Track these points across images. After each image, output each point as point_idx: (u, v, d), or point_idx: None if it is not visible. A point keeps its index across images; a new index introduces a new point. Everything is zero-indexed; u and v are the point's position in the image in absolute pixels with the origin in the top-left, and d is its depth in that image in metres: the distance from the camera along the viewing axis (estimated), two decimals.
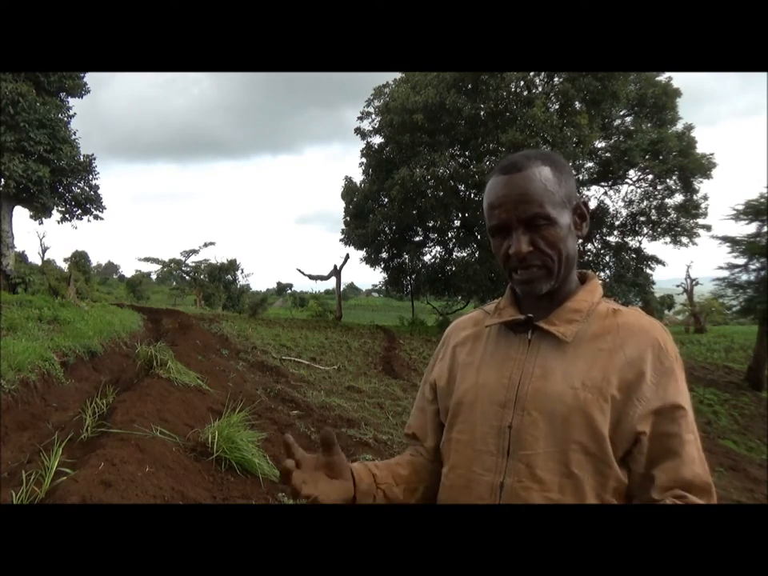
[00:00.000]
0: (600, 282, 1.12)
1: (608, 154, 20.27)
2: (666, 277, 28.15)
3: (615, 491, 0.95)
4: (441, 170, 19.19)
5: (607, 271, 21.36)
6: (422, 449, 1.21)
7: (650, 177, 20.48)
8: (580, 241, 1.08)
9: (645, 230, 21.58)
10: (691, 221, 20.59)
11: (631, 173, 20.93)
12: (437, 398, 1.17)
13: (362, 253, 22.69)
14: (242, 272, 34.22)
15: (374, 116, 21.97)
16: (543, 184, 0.99)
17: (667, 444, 0.94)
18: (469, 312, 1.24)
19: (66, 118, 17.18)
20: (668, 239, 21.14)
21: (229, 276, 33.55)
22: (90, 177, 17.76)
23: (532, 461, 0.97)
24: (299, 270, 24.91)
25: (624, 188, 21.79)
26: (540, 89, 19.51)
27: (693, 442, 0.95)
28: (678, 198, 20.57)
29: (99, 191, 17.99)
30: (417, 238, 22.79)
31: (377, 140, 21.85)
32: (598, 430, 0.94)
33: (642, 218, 21.38)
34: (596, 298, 1.05)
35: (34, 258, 32.61)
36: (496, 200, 1.02)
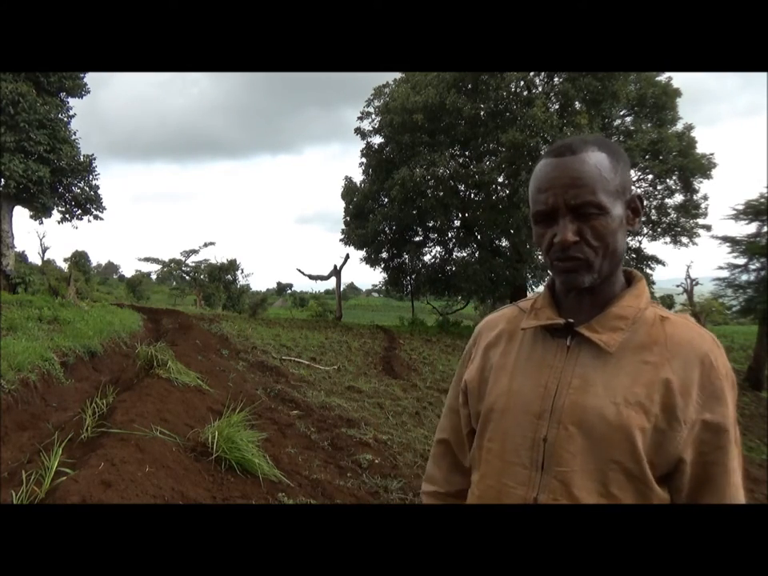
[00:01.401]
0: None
1: None
2: (666, 277, 28.13)
3: None
4: (441, 170, 19.19)
5: None
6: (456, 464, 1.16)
7: (650, 177, 20.47)
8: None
9: (645, 230, 21.58)
10: (691, 221, 20.60)
11: (631, 173, 20.91)
12: (468, 401, 1.11)
13: (362, 253, 22.70)
14: (242, 272, 34.25)
15: (373, 116, 21.98)
16: (598, 169, 0.92)
17: (711, 473, 0.90)
18: (499, 309, 1.17)
19: (66, 118, 17.19)
20: (668, 239, 21.16)
21: (229, 276, 33.55)
22: (90, 177, 17.77)
23: (568, 478, 0.91)
24: (299, 270, 24.90)
25: None
26: (540, 89, 19.50)
27: (736, 470, 0.91)
28: (678, 197, 20.59)
29: (99, 191, 18.02)
30: (417, 238, 22.77)
31: (377, 140, 21.87)
32: (638, 450, 0.88)
33: (642, 218, 21.36)
34: (643, 304, 0.96)
35: (34, 258, 32.64)
36: (545, 183, 0.94)
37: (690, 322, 0.96)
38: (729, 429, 0.90)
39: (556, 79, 19.09)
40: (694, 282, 25.28)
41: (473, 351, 1.13)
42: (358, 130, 22.27)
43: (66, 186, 17.38)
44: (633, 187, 1.03)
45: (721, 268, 13.84)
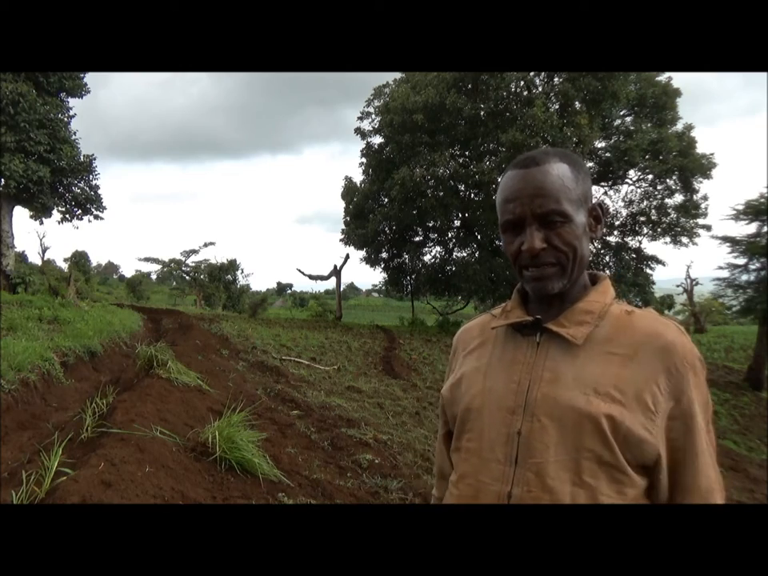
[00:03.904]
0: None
1: (608, 154, 20.26)
2: (665, 277, 28.13)
3: (634, 499, 0.92)
4: (441, 170, 19.18)
5: (607, 271, 21.35)
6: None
7: (650, 177, 20.48)
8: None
9: (645, 230, 21.58)
10: (691, 221, 20.59)
11: (631, 173, 20.93)
12: (445, 410, 1.13)
13: (362, 253, 22.70)
14: (242, 272, 34.30)
15: (373, 116, 21.97)
16: (561, 180, 0.96)
17: (681, 458, 0.92)
18: (475, 317, 1.20)
19: (66, 118, 17.18)
20: (668, 239, 21.16)
21: (229, 276, 33.58)
22: (90, 177, 17.78)
23: (542, 469, 0.93)
24: (299, 270, 24.90)
25: (624, 188, 21.81)
26: (540, 89, 19.50)
27: (705, 452, 0.93)
28: (678, 197, 20.59)
29: (99, 191, 18.02)
30: (417, 238, 22.77)
31: (377, 140, 21.86)
32: (609, 437, 0.90)
33: (642, 218, 21.38)
34: (608, 299, 1.01)
35: (34, 258, 32.64)
36: (511, 194, 0.99)
37: (654, 314, 1.00)
38: (695, 415, 0.92)
39: (556, 79, 19.08)
40: (694, 282, 25.32)
41: (453, 364, 1.16)
42: (358, 130, 22.27)
43: (66, 185, 17.38)
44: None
45: (721, 268, 13.87)
